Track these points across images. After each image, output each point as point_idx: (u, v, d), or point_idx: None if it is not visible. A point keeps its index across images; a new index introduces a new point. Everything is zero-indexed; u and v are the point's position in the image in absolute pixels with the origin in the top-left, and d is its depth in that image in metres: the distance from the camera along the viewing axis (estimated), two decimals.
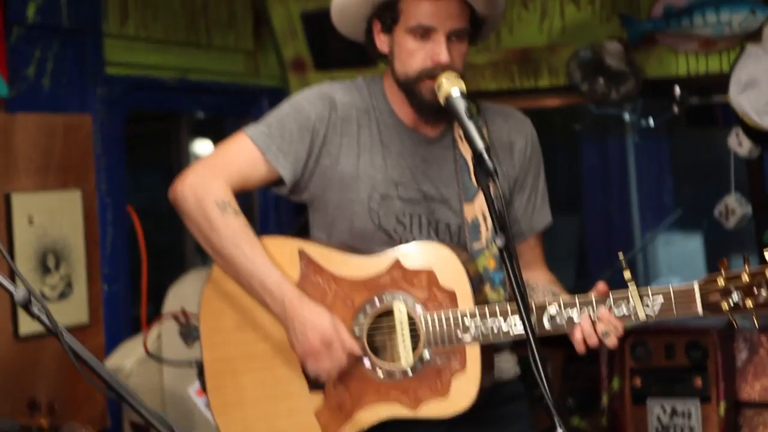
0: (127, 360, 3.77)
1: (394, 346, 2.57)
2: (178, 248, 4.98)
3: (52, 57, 3.67)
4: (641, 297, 2.43)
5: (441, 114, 2.58)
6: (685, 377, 4.01)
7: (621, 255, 2.42)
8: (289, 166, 2.63)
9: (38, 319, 2.05)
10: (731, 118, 4.07)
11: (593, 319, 2.46)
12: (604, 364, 4.09)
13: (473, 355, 2.52)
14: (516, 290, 2.26)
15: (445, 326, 2.51)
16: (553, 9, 4.23)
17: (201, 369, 2.71)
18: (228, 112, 4.79)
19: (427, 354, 2.54)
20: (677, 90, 4.29)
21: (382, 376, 2.57)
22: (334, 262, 2.61)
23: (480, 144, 2.34)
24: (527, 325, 2.24)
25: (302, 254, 2.62)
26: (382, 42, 2.67)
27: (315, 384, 2.60)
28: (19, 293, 2.04)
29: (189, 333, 3.81)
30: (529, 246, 2.80)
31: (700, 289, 2.40)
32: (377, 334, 2.59)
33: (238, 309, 2.65)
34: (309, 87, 2.74)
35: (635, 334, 4.10)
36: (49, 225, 3.63)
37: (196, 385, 3.72)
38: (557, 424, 2.13)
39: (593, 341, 2.46)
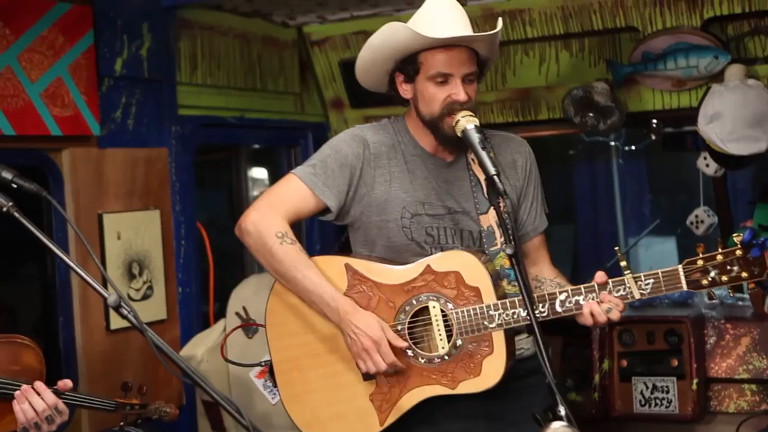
0: (198, 349, 3.77)
1: (431, 338, 2.59)
2: (238, 256, 5.00)
3: (135, 102, 3.69)
4: (635, 280, 2.46)
5: (459, 144, 2.59)
6: (663, 359, 4.00)
7: (617, 249, 2.51)
8: (333, 197, 2.67)
9: (127, 318, 2.08)
10: (700, 143, 4.06)
11: (597, 301, 2.49)
12: (596, 349, 4.08)
13: (499, 340, 2.54)
14: (523, 289, 2.32)
15: (473, 318, 2.53)
16: (550, 55, 4.23)
17: (271, 368, 2.74)
18: (279, 143, 4.81)
19: (459, 341, 2.56)
20: (654, 121, 4.28)
21: (423, 363, 2.58)
22: (375, 272, 2.63)
23: (492, 169, 2.38)
24: (532, 318, 2.29)
25: (348, 267, 2.65)
26: (405, 90, 2.69)
27: (367, 374, 2.62)
28: (111, 298, 2.08)
29: (249, 328, 3.82)
30: (535, 246, 2.82)
31: (684, 270, 2.46)
32: (417, 329, 2.61)
33: (299, 317, 2.68)
34: (344, 130, 2.79)
35: (622, 324, 4.09)
36: (133, 239, 3.65)
37: (256, 370, 3.73)
38: (558, 400, 2.16)
39: (602, 318, 2.49)
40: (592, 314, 2.49)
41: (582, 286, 2.52)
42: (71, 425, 3.35)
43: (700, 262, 2.45)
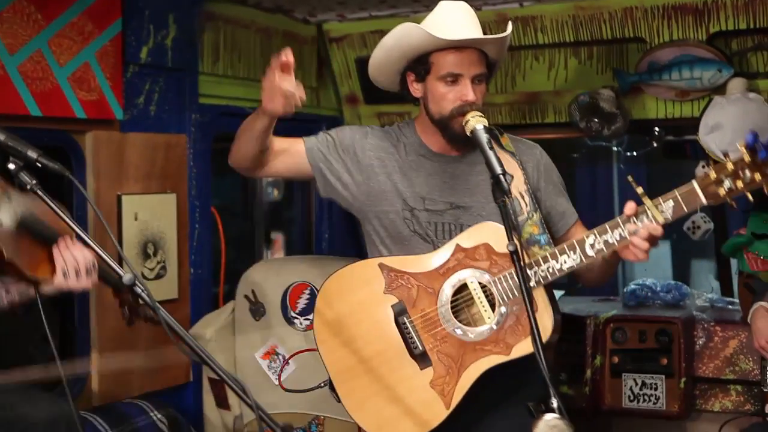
0: (207, 329, 3.78)
1: (476, 312, 2.57)
2: (249, 240, 5.00)
3: (158, 89, 3.69)
4: (656, 206, 2.39)
5: (467, 143, 2.58)
6: (653, 357, 4.00)
7: (630, 178, 2.40)
8: (313, 147, 2.74)
9: (140, 296, 2.08)
10: (699, 152, 4.04)
11: (625, 236, 2.41)
12: (589, 345, 4.08)
13: (540, 296, 2.52)
14: (522, 284, 2.28)
15: (511, 281, 2.52)
16: (559, 61, 4.22)
17: (331, 384, 2.72)
18: (294, 135, 4.79)
19: (503, 309, 2.54)
20: (656, 129, 4.27)
21: (473, 338, 2.56)
22: (408, 264, 2.62)
23: (498, 168, 2.36)
24: (530, 313, 2.26)
25: (382, 266, 2.64)
26: (415, 89, 2.69)
27: (423, 362, 2.60)
28: (127, 276, 2.08)
29: (257, 310, 3.82)
30: (576, 232, 2.78)
31: (699, 184, 2.37)
32: (461, 307, 2.59)
33: (344, 328, 2.67)
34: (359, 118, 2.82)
35: (615, 322, 4.09)
36: (150, 221, 3.65)
37: (261, 350, 3.73)
38: (551, 393, 2.15)
39: (644, 245, 2.41)
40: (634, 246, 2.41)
41: (606, 223, 2.45)
42: (81, 396, 3.37)
43: (712, 174, 2.34)
